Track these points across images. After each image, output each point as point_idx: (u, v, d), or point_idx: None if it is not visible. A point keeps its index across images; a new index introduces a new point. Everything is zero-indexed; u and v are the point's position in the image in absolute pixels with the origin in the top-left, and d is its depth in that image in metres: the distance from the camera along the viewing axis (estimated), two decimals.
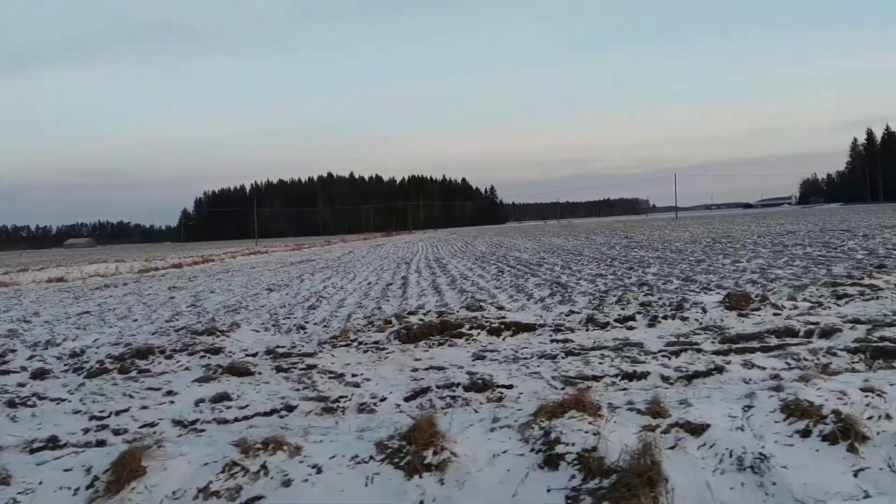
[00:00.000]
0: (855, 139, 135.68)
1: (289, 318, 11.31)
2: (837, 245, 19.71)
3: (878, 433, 4.29)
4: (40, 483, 3.94)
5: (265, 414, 5.97)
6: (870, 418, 4.51)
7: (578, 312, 9.46)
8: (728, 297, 9.19)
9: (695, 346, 6.99)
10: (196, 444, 4.84)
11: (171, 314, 13.04)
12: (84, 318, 13.41)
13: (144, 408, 6.16)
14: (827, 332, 7.24)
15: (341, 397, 6.10)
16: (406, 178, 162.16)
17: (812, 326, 7.48)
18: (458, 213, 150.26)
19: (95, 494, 3.91)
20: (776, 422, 4.61)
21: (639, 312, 8.81)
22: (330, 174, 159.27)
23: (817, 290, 10.10)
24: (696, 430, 4.49)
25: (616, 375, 6.36)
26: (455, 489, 4.13)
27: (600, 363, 6.70)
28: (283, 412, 5.95)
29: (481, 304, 10.20)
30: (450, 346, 8.06)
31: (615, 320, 8.60)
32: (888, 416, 4.51)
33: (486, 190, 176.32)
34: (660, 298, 9.79)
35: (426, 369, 6.91)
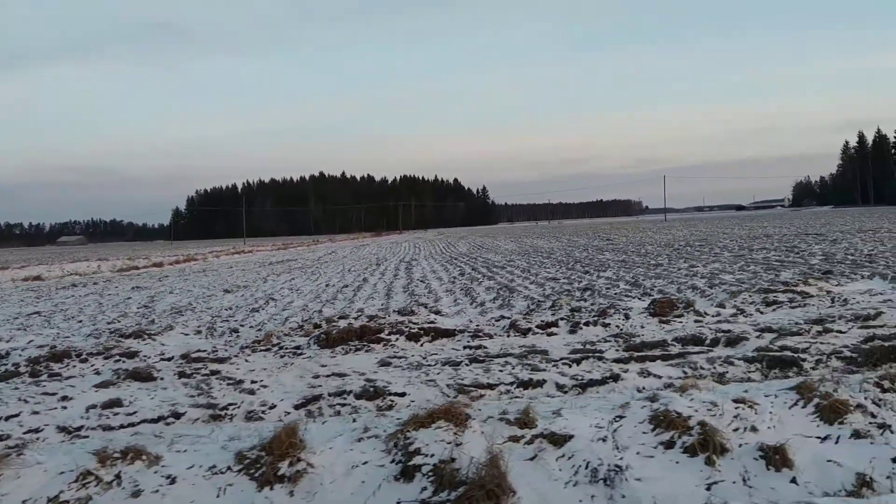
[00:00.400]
0: (846, 142, 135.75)
1: (228, 320, 11.30)
2: (802, 249, 19.77)
3: (739, 445, 4.29)
4: None
5: (152, 421, 5.95)
6: (736, 430, 4.52)
7: (509, 318, 9.45)
8: (653, 303, 9.20)
9: (598, 354, 6.99)
10: (55, 452, 4.81)
11: (117, 315, 13.00)
12: (31, 318, 13.36)
13: (35, 413, 6.13)
14: (733, 341, 7.25)
15: (231, 405, 6.08)
16: (398, 177, 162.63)
17: (722, 334, 7.50)
18: (450, 213, 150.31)
19: None
20: (644, 433, 4.62)
21: (563, 319, 8.81)
22: (322, 174, 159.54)
23: (750, 296, 10.12)
24: (559, 441, 4.50)
25: (511, 384, 6.36)
26: (304, 502, 4.12)
27: (500, 371, 6.70)
28: (170, 419, 5.93)
29: (414, 308, 10.18)
30: (366, 351, 8.06)
31: (538, 326, 8.60)
32: (754, 429, 4.52)
33: (478, 190, 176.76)
34: (592, 304, 9.80)
35: (328, 376, 6.90)
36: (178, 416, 5.94)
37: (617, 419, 4.78)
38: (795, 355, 6.52)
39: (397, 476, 4.20)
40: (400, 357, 7.46)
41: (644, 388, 6.24)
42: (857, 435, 4.26)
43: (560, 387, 6.32)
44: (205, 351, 8.46)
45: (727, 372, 6.40)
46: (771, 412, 4.73)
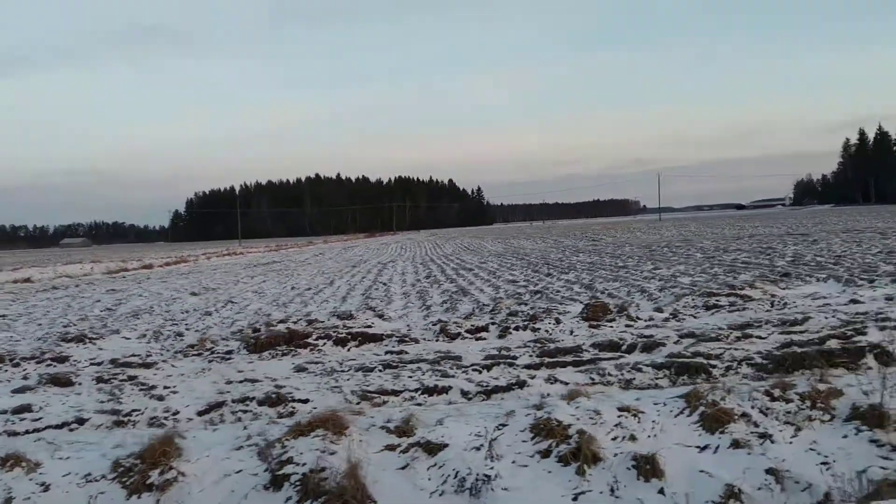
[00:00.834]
0: (847, 139, 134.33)
1: (178, 324, 11.36)
2: (776, 251, 19.74)
3: (615, 454, 4.30)
4: None
5: (57, 427, 5.99)
6: (614, 439, 4.54)
7: (446, 321, 9.48)
8: (586, 307, 9.23)
9: (511, 360, 7.02)
10: None
11: (77, 319, 13.08)
12: None
13: None
14: (650, 347, 7.27)
15: (135, 411, 6.13)
16: (393, 179, 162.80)
17: (642, 340, 7.51)
18: (445, 214, 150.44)
19: None
20: (523, 441, 4.65)
21: (494, 323, 8.85)
22: (318, 175, 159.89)
23: (693, 300, 10.13)
24: (434, 450, 4.53)
25: (417, 390, 6.39)
26: None
27: (410, 377, 6.73)
28: (74, 425, 5.98)
29: (354, 312, 10.23)
30: (292, 356, 8.11)
31: (467, 331, 8.64)
32: (633, 438, 4.53)
33: (472, 191, 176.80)
34: (531, 308, 9.83)
35: (241, 381, 6.95)
36: (82, 422, 5.99)
37: (500, 427, 4.81)
38: (706, 362, 6.52)
39: (266, 485, 4.25)
40: (317, 363, 7.51)
41: (549, 395, 6.27)
42: (735, 445, 4.26)
43: (465, 393, 6.35)
44: (138, 356, 8.53)
45: (634, 378, 6.41)
46: (654, 421, 4.74)
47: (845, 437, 4.31)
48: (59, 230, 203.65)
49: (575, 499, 3.98)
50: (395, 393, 6.35)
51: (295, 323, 9.64)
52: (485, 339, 8.42)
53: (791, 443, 4.34)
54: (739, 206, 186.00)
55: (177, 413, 6.10)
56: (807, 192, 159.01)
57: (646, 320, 8.87)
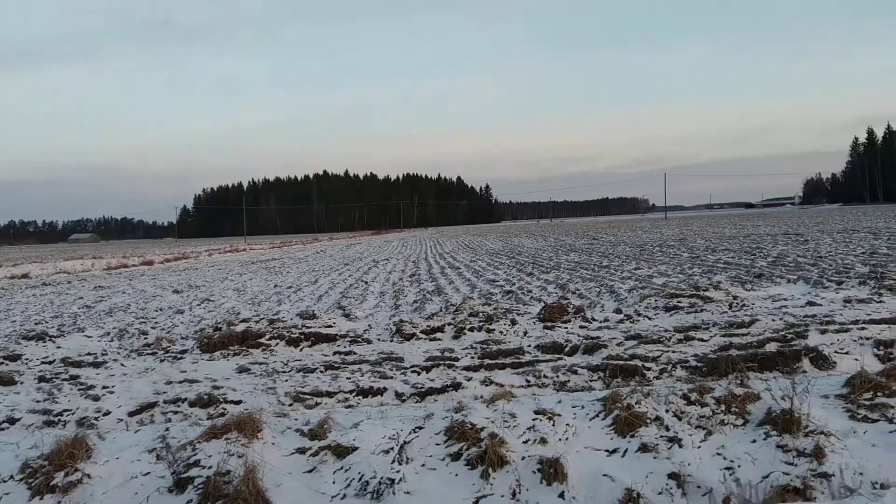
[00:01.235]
0: (856, 138, 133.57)
1: (147, 322, 11.41)
2: (762, 251, 19.59)
3: (522, 458, 4.29)
4: None
5: None
6: (525, 442, 4.52)
7: (405, 322, 9.47)
8: (544, 308, 9.18)
9: (451, 362, 7.00)
10: None
11: (51, 316, 13.16)
12: None
13: None
14: (592, 349, 7.23)
15: (67, 411, 6.16)
16: (401, 176, 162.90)
17: (587, 342, 7.47)
18: (453, 211, 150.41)
19: None
20: (437, 444, 4.64)
21: (450, 324, 8.81)
22: (325, 172, 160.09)
23: (655, 301, 10.07)
24: (343, 453, 4.53)
25: (352, 392, 6.39)
26: None
27: (348, 378, 6.72)
28: (5, 425, 6.01)
29: (316, 312, 10.23)
30: (243, 355, 8.12)
31: (422, 332, 8.62)
32: (544, 441, 4.52)
33: (481, 189, 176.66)
34: (494, 309, 9.78)
35: (180, 382, 6.97)
36: (13, 421, 6.02)
37: (416, 430, 4.80)
38: (642, 364, 6.49)
39: (171, 488, 4.26)
40: (262, 363, 7.51)
41: (481, 397, 6.24)
42: (643, 448, 4.26)
43: (399, 395, 6.34)
44: (93, 354, 8.57)
45: (569, 381, 6.38)
46: (569, 424, 4.73)
47: (754, 441, 4.29)
48: (68, 226, 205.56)
49: (476, 502, 3.98)
50: (331, 395, 6.35)
51: (257, 322, 9.64)
52: (440, 339, 8.40)
53: (699, 447, 4.32)
54: (749, 205, 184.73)
55: (108, 413, 6.12)
56: (816, 191, 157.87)
57: (600, 321, 8.82)
